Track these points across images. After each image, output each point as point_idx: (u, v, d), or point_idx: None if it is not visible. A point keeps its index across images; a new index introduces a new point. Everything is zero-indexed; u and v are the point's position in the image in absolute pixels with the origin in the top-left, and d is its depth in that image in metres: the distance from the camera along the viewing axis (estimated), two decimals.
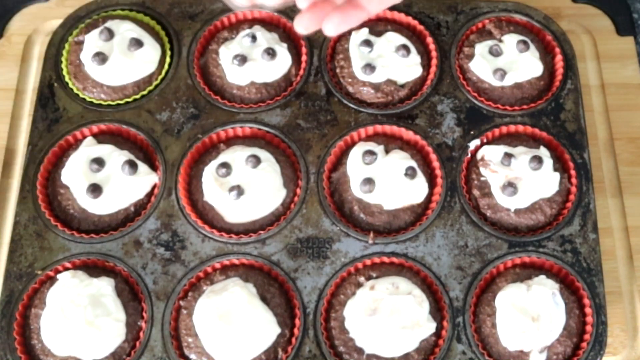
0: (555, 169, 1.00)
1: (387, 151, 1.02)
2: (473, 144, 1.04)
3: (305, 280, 0.96)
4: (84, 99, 1.07)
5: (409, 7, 1.12)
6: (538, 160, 0.99)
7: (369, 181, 0.98)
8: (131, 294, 0.95)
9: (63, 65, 1.09)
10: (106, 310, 0.91)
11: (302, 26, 0.81)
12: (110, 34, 1.06)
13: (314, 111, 1.06)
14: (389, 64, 1.06)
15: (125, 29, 1.07)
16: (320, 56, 1.10)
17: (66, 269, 0.95)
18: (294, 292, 0.95)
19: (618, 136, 1.11)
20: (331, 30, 0.79)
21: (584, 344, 0.93)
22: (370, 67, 1.05)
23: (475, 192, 1.01)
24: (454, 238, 0.98)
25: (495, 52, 1.07)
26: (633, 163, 1.09)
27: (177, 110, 1.06)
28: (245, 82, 1.07)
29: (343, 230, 0.98)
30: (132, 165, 0.99)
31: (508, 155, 1.00)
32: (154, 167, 1.02)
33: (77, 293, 0.91)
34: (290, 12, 1.12)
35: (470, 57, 1.09)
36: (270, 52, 1.06)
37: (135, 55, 1.06)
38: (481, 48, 1.08)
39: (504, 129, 1.05)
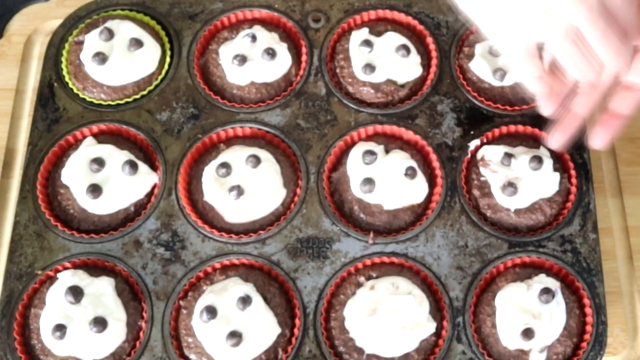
0: (555, 169, 1.00)
1: (387, 151, 1.02)
2: (473, 144, 1.04)
3: (305, 280, 0.96)
4: (84, 99, 1.07)
5: (409, 7, 1.12)
6: (538, 160, 0.98)
7: (369, 181, 0.98)
8: (131, 293, 0.95)
9: (63, 65, 1.09)
10: (107, 310, 0.91)
11: (557, 143, 0.93)
12: (110, 34, 1.06)
13: (314, 111, 1.06)
14: (389, 64, 1.06)
15: (125, 29, 1.07)
16: (320, 56, 1.10)
17: (66, 268, 0.95)
18: (294, 292, 0.95)
19: (618, 136, 1.10)
20: (599, 143, 0.89)
21: (584, 344, 0.93)
22: (370, 67, 1.05)
23: (475, 192, 1.01)
24: (454, 238, 0.98)
25: (495, 52, 1.07)
26: (633, 163, 1.09)
27: (177, 110, 1.06)
28: (245, 82, 1.07)
29: (343, 230, 0.98)
30: (132, 165, 0.99)
31: (508, 155, 1.00)
32: (154, 167, 1.02)
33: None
34: (290, 12, 1.12)
35: (470, 57, 1.08)
36: (270, 52, 1.06)
37: (135, 55, 1.06)
38: (481, 48, 1.08)
39: (504, 129, 1.05)
